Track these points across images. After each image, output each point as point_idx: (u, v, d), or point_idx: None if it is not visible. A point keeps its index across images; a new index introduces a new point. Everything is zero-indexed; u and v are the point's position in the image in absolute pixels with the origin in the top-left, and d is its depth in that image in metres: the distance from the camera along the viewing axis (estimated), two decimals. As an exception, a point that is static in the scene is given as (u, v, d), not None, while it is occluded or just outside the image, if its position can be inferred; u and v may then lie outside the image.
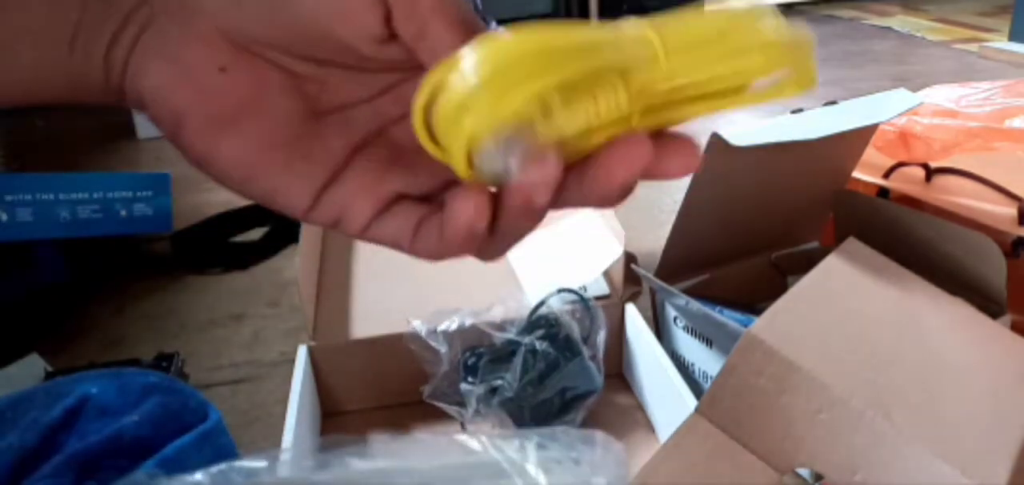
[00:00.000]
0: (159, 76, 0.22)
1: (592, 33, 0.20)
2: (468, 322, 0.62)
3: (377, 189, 0.24)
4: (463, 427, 0.59)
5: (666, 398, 0.59)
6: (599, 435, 0.38)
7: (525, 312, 0.63)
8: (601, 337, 0.62)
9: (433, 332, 0.61)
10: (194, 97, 0.22)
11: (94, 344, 0.83)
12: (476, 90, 0.19)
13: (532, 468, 0.34)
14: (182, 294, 0.94)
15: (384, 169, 0.24)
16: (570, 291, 0.65)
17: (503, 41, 0.19)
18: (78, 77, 0.23)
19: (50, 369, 0.68)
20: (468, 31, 0.21)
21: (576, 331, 0.61)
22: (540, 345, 0.59)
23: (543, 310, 0.62)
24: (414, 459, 0.35)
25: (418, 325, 0.61)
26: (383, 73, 0.25)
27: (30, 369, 0.67)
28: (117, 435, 0.41)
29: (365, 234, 0.24)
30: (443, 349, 0.60)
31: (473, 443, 0.36)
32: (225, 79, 0.22)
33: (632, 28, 0.20)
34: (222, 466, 0.31)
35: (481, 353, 0.61)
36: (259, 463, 0.32)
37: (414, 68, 0.23)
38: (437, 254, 0.24)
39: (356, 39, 0.22)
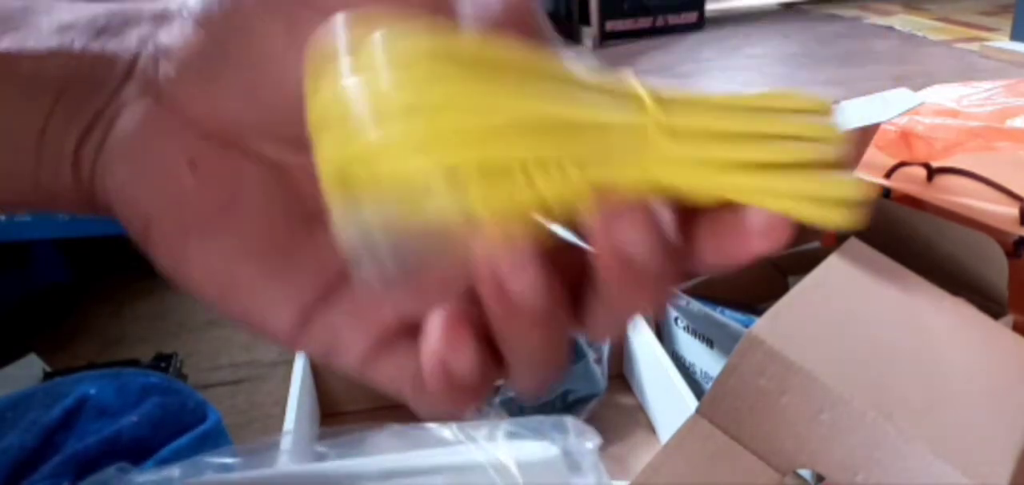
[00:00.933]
0: (123, 176, 0.19)
1: (572, 108, 0.14)
2: None
3: (376, 314, 0.20)
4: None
5: (667, 399, 0.59)
6: (570, 421, 0.38)
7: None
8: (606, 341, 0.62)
9: None
10: (160, 198, 0.19)
11: (92, 344, 0.83)
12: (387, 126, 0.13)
13: (503, 454, 0.34)
14: (181, 294, 0.94)
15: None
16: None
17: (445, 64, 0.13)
18: (46, 182, 0.20)
19: (48, 369, 0.68)
20: None
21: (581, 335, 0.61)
22: None
23: None
24: (386, 448, 0.35)
25: None
26: None
27: (28, 369, 0.67)
28: (116, 436, 0.41)
29: (361, 372, 0.20)
30: None
31: (445, 432, 0.37)
32: (195, 176, 0.19)
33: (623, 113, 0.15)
34: (194, 459, 0.31)
35: None
36: (229, 459, 0.32)
37: None
38: (438, 407, 0.19)
39: None
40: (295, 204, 0.20)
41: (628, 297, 0.16)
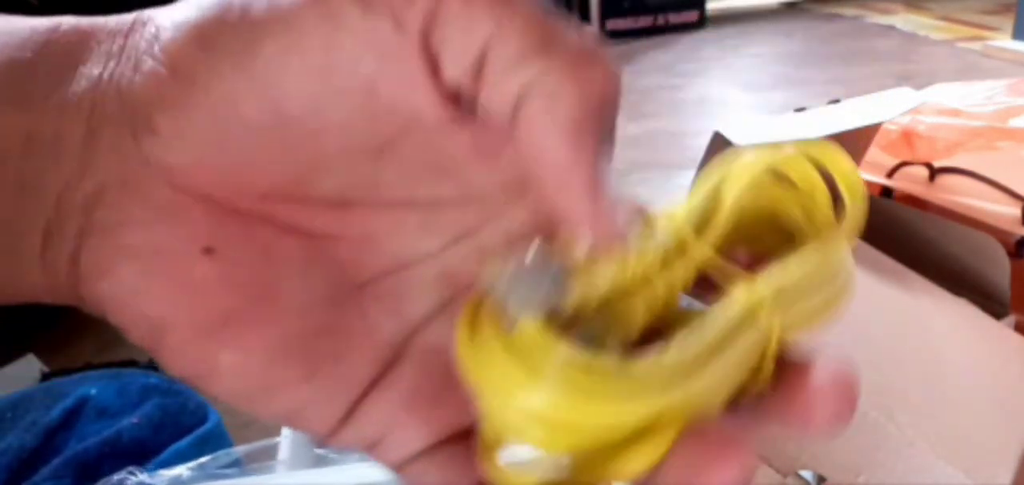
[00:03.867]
0: (118, 278, 0.14)
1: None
2: None
3: (435, 410, 0.16)
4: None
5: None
6: None
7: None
8: None
9: None
10: (173, 301, 0.15)
11: (90, 345, 0.83)
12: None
13: None
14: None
15: (450, 376, 0.16)
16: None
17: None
18: (9, 284, 0.15)
19: (46, 370, 0.68)
20: (547, 43, 0.14)
21: None
22: None
23: None
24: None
25: None
26: (454, 207, 0.16)
27: (26, 369, 0.67)
28: (116, 437, 0.40)
29: (407, 474, 0.17)
30: None
31: None
32: (214, 266, 0.15)
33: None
34: (203, 459, 0.31)
35: None
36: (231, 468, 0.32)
37: (501, 194, 0.16)
38: None
39: (404, 123, 0.15)
40: (338, 278, 0.16)
41: None
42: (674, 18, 2.49)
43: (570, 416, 0.14)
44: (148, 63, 0.14)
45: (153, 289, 0.15)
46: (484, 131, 0.15)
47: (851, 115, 0.64)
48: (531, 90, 0.14)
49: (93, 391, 0.43)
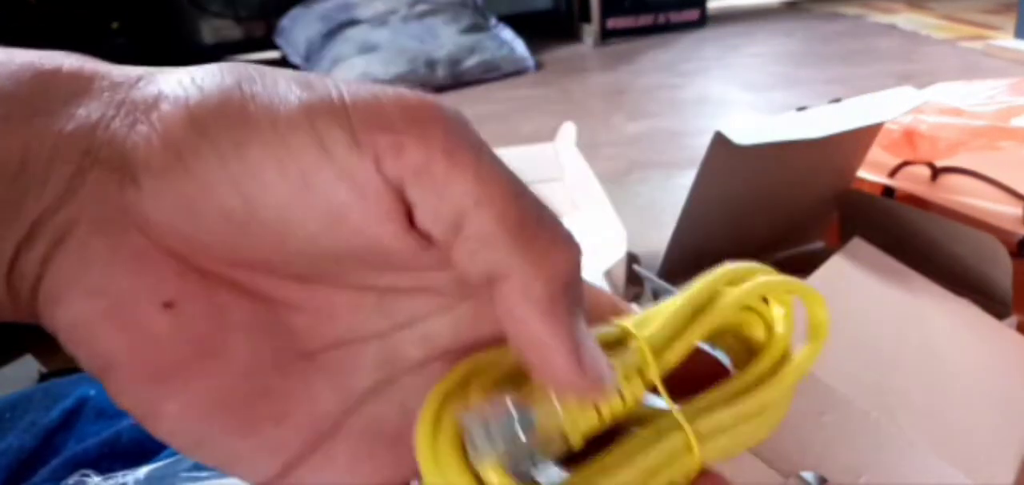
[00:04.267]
0: (78, 310, 0.15)
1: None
2: None
3: (374, 475, 0.17)
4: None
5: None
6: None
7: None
8: None
9: None
10: (126, 344, 0.15)
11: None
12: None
13: None
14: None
15: (389, 445, 0.17)
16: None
17: None
18: None
19: (44, 371, 0.68)
20: (521, 228, 0.15)
21: None
22: None
23: None
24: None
25: None
26: (408, 295, 0.18)
27: (24, 370, 0.67)
28: (116, 438, 0.40)
29: None
30: None
31: None
32: (171, 319, 0.15)
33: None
34: (162, 463, 0.31)
35: None
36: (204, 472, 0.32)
37: (454, 290, 0.18)
38: None
39: (369, 245, 0.16)
40: (287, 345, 0.17)
41: None
42: (675, 17, 2.49)
43: None
44: (143, 127, 0.15)
45: (107, 330, 0.15)
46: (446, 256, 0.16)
47: (852, 115, 0.63)
48: (507, 271, 0.15)
49: (92, 392, 0.43)
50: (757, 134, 0.58)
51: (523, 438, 0.15)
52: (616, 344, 0.18)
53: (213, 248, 0.16)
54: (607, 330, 0.18)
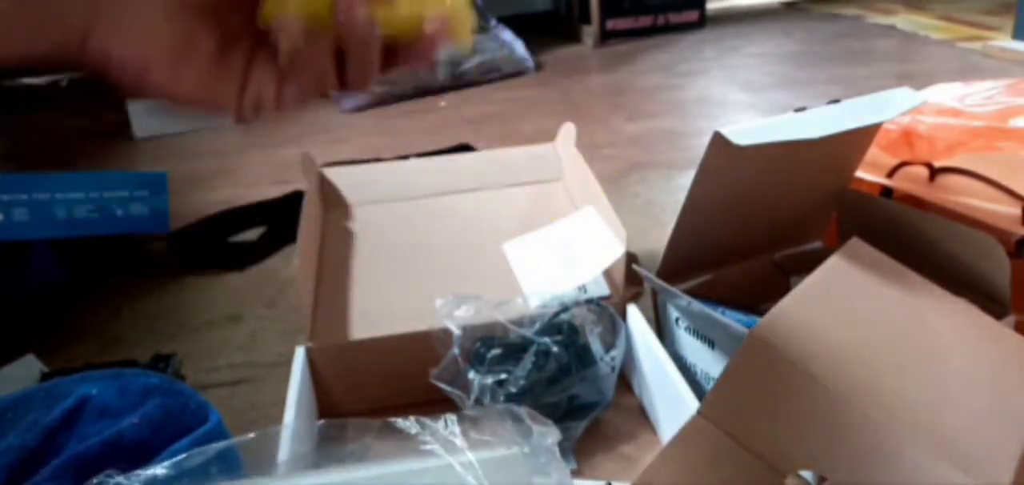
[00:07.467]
0: (117, 42, 0.31)
1: None
2: (486, 311, 0.62)
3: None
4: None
5: (668, 400, 0.59)
6: (525, 411, 0.39)
7: (545, 313, 0.63)
8: (620, 353, 0.62)
9: (451, 314, 0.61)
10: (154, 49, 0.32)
11: (90, 345, 0.83)
12: None
13: (459, 441, 0.35)
14: (179, 294, 0.94)
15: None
16: (595, 302, 0.65)
17: None
18: (35, 34, 0.30)
19: (46, 370, 0.68)
20: None
21: (597, 344, 0.61)
22: (555, 348, 0.59)
23: (565, 316, 0.62)
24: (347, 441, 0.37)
25: (439, 303, 0.61)
26: None
27: (26, 370, 0.67)
28: (117, 437, 0.40)
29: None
30: (457, 331, 0.60)
31: (402, 424, 0.38)
32: (182, 23, 0.33)
33: None
34: (179, 457, 0.32)
35: (491, 343, 0.60)
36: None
37: None
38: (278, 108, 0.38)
39: None
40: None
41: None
42: (674, 18, 2.49)
43: None
44: None
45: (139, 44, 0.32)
46: None
47: (851, 115, 0.64)
48: None
49: (94, 391, 0.43)
50: (756, 134, 0.58)
51: None
52: None
53: None
54: None
